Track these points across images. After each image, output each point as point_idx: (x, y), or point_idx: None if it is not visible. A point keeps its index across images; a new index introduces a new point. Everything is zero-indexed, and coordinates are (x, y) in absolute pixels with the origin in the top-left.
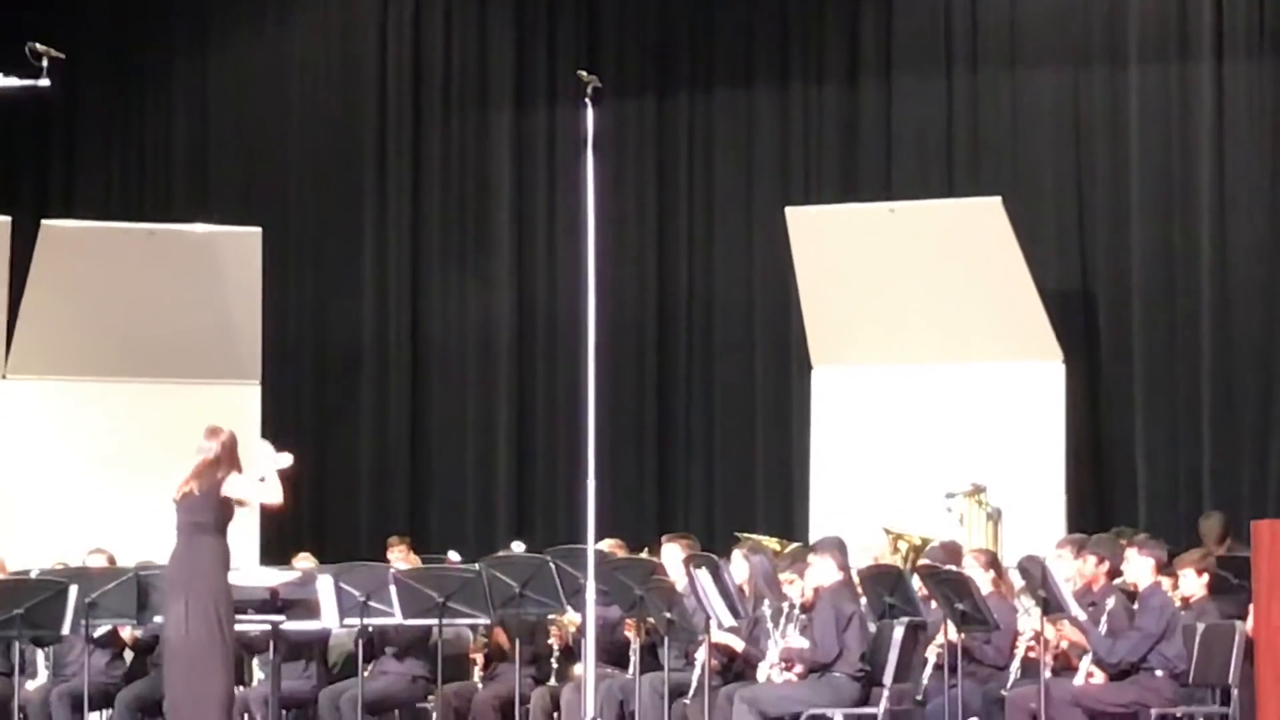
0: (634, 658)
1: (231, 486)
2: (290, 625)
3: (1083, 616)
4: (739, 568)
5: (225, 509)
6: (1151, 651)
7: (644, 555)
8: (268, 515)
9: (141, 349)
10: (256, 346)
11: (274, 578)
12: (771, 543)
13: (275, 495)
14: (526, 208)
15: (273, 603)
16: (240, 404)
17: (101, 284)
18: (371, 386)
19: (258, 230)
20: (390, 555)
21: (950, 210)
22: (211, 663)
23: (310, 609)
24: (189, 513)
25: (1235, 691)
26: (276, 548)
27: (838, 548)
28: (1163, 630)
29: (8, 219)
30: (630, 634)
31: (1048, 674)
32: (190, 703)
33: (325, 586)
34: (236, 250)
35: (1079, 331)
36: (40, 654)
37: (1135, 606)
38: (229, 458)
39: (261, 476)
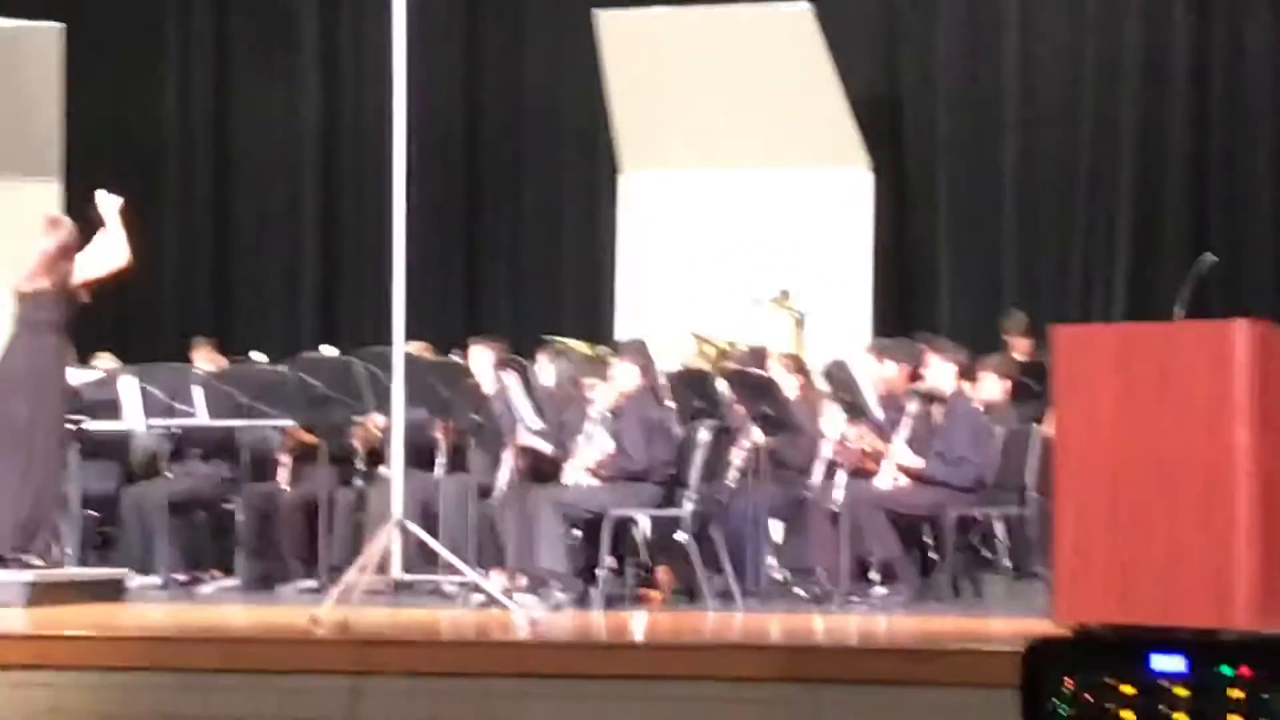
0: (440, 459)
1: (83, 269)
2: (93, 425)
3: (881, 417)
4: (546, 371)
5: (72, 304)
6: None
7: (452, 358)
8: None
9: None
10: (57, 143)
11: (76, 377)
12: (582, 346)
13: (123, 253)
14: (332, 10)
15: (74, 402)
16: (40, 200)
17: None
18: (176, 184)
19: (59, 25)
20: (194, 356)
21: (761, 15)
22: (51, 463)
23: (113, 409)
24: (35, 309)
25: (1032, 494)
26: (78, 348)
27: (639, 351)
28: (976, 446)
29: None
30: (439, 435)
31: (849, 477)
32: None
33: (128, 386)
34: (36, 46)
35: (886, 139)
36: None
37: (939, 413)
38: (74, 248)
39: (102, 236)
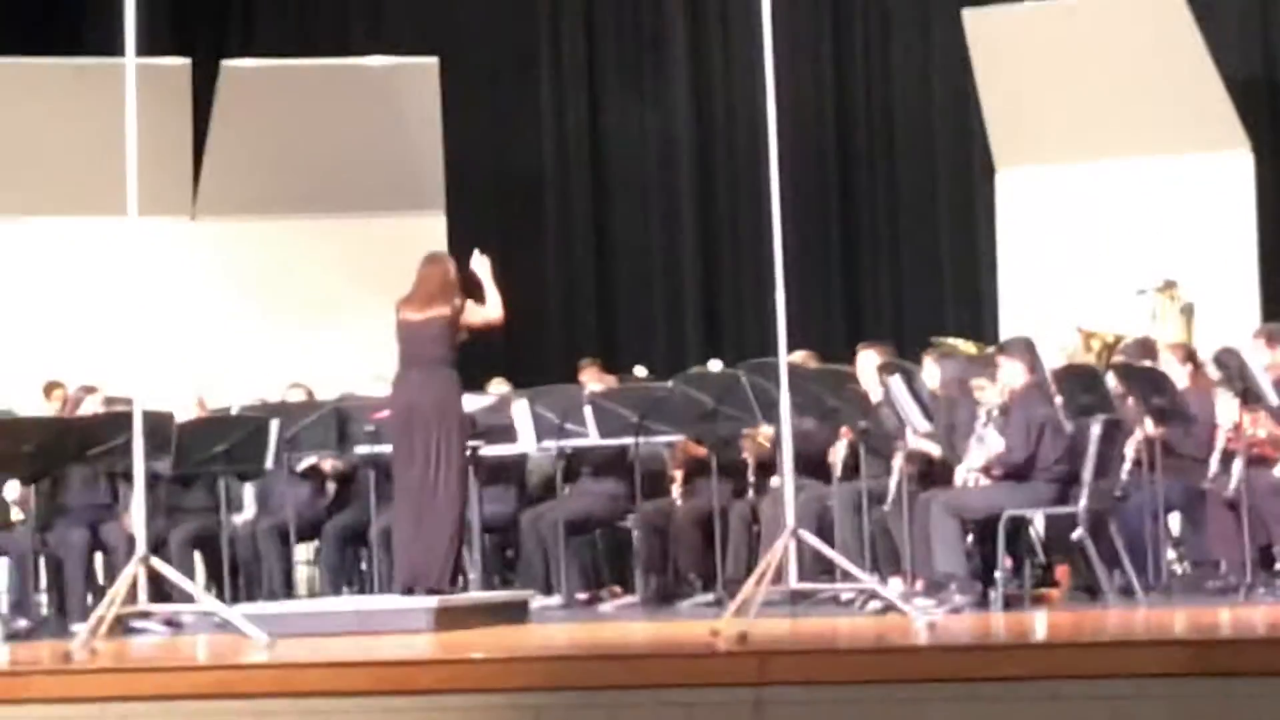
0: (836, 468)
1: (471, 314)
2: (489, 450)
3: (1276, 403)
4: (932, 373)
5: (458, 339)
6: None
7: (836, 365)
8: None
9: (326, 184)
10: (439, 176)
11: (470, 404)
12: (968, 347)
13: (497, 311)
14: (699, 19)
15: (471, 428)
16: (426, 234)
17: (283, 122)
18: (555, 209)
19: (435, 61)
20: (582, 377)
21: (1130, 3)
22: (454, 499)
23: (507, 433)
24: (431, 343)
25: None
26: (470, 374)
27: (1026, 348)
28: None
29: (187, 61)
30: (842, 443)
31: (1246, 465)
32: (426, 539)
33: (521, 410)
34: (415, 82)
35: (1266, 121)
36: (246, 489)
37: None
38: (457, 282)
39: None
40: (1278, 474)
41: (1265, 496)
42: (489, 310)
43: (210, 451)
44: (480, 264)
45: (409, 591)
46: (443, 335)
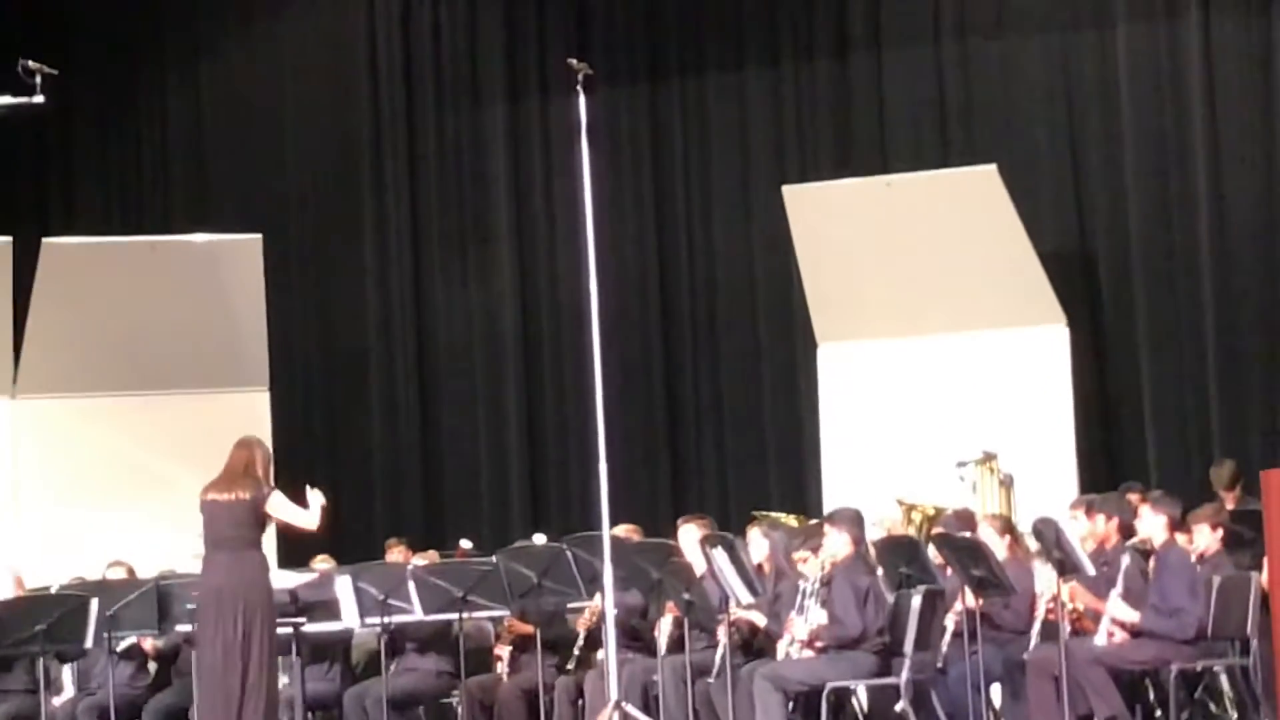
0: (661, 640)
1: (275, 506)
2: (312, 627)
3: (1093, 573)
4: (757, 546)
5: (264, 521)
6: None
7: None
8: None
9: (149, 361)
10: (263, 352)
11: (293, 580)
12: (789, 520)
13: (313, 525)
14: (524, 198)
15: (293, 605)
16: (250, 410)
17: (106, 299)
18: (380, 385)
19: (258, 237)
20: (389, 556)
21: (946, 180)
22: (263, 677)
23: (331, 610)
24: (235, 525)
25: (1254, 643)
26: (294, 551)
27: (853, 520)
28: (1192, 595)
29: (9, 239)
30: (666, 619)
31: (1067, 635)
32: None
33: (344, 587)
34: (238, 258)
35: (1081, 293)
36: (65, 669)
37: (1151, 565)
38: (266, 472)
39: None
40: (1096, 643)
41: (1084, 666)
42: (304, 518)
43: (29, 631)
44: (315, 498)
45: None
46: (247, 518)
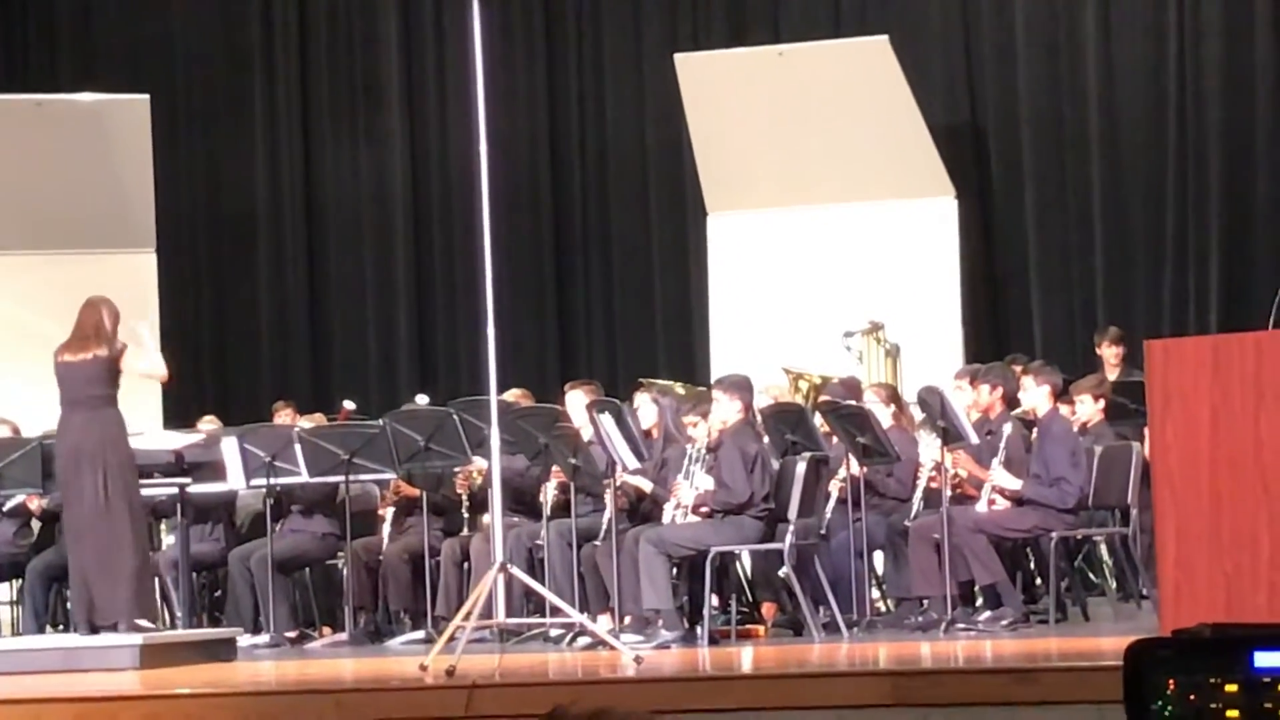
0: (547, 505)
1: (132, 359)
2: (196, 488)
3: (976, 442)
4: (646, 411)
5: (118, 379)
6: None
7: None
8: (171, 379)
9: (34, 221)
10: (150, 214)
11: (178, 441)
12: (677, 387)
13: (161, 369)
14: (415, 62)
15: (178, 466)
16: (136, 272)
17: None
18: (267, 248)
19: (145, 97)
20: (277, 419)
21: (838, 51)
22: (128, 533)
23: (216, 471)
24: (89, 384)
25: (1134, 513)
26: (180, 411)
27: (743, 386)
28: (1074, 465)
29: None
30: (553, 481)
31: (949, 503)
32: (107, 575)
33: (230, 448)
34: (125, 118)
35: (970, 165)
36: None
37: (1034, 433)
38: (115, 330)
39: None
40: (977, 511)
41: (965, 534)
42: (150, 367)
43: None
44: (146, 327)
45: (94, 631)
46: (100, 376)
